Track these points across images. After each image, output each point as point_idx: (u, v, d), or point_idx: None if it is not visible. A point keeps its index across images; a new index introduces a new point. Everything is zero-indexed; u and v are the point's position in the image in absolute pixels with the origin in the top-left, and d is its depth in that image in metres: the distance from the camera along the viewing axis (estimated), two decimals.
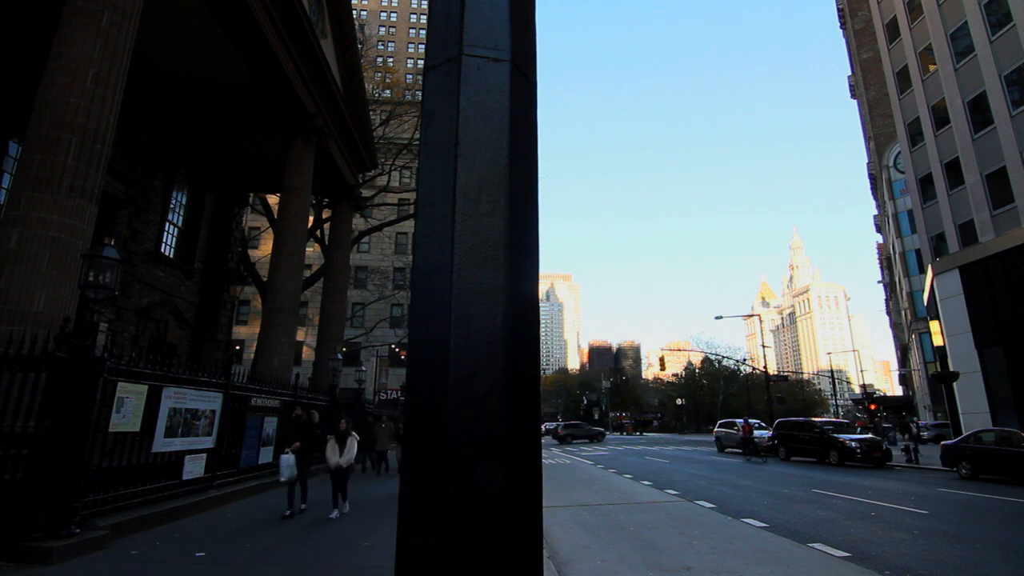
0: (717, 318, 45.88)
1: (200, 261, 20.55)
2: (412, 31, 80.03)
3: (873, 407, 33.49)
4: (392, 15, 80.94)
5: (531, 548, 1.03)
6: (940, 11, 26.18)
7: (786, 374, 73.57)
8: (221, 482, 10.48)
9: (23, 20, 12.09)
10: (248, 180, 22.67)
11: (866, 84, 53.12)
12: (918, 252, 37.18)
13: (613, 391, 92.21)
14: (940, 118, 26.38)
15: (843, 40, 65.05)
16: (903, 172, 34.39)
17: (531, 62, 1.29)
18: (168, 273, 18.49)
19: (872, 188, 58.68)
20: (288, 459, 9.06)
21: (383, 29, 78.45)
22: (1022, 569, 6.42)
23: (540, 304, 1.26)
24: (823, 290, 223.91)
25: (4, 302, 7.50)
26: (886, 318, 68.20)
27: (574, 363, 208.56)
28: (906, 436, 22.77)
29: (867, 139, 57.08)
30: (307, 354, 40.86)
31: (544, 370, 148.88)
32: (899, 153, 36.10)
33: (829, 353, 66.76)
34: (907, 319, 46.21)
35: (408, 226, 48.22)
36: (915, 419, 33.38)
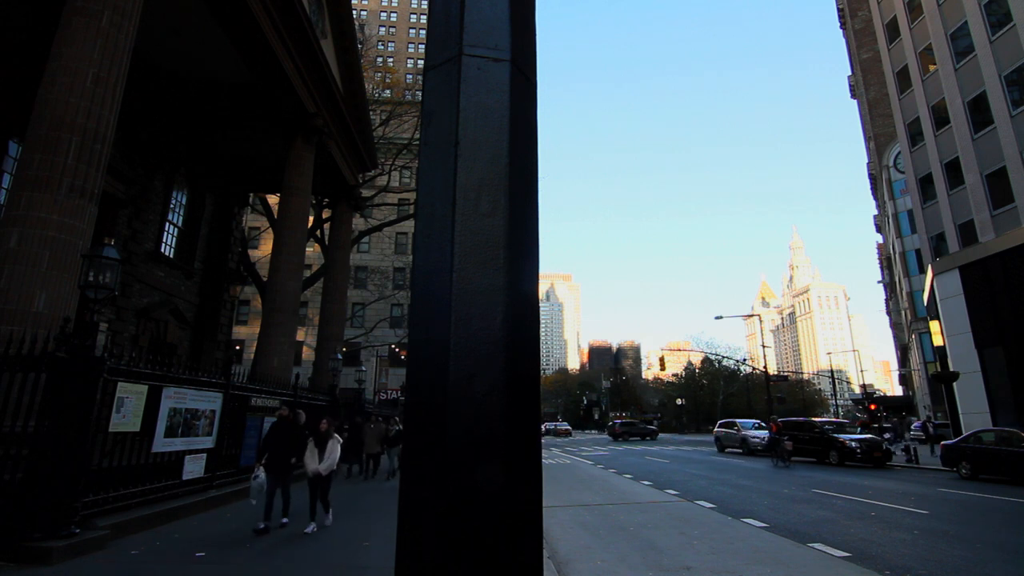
0: (717, 318, 45.88)
1: (200, 261, 20.55)
2: (412, 31, 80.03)
3: (873, 407, 33.47)
4: (392, 15, 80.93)
5: (531, 548, 1.03)
6: (940, 11, 26.18)
7: (786, 374, 73.56)
8: (221, 482, 10.48)
9: (23, 20, 12.09)
10: (248, 180, 22.67)
11: (866, 84, 53.11)
12: (918, 252, 37.17)
13: (613, 391, 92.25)
14: (940, 118, 26.37)
15: (843, 40, 65.07)
16: (903, 172, 34.39)
17: (531, 62, 1.29)
18: (168, 273, 18.49)
19: (872, 188, 58.68)
20: (259, 482, 7.77)
21: (383, 29, 78.45)
22: (1022, 569, 6.42)
23: (540, 304, 1.26)
24: (823, 290, 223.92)
25: (4, 302, 7.50)
26: (886, 318, 68.21)
27: (574, 363, 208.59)
28: (908, 434, 22.80)
29: (867, 139, 57.08)
30: (307, 354, 40.86)
31: (544, 370, 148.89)
32: (899, 153, 36.10)
33: (829, 353, 66.75)
34: (907, 319, 46.21)
35: (408, 226, 48.22)
36: (914, 419, 33.37)
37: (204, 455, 10.05)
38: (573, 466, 21.01)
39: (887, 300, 64.08)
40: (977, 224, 23.78)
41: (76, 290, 7.88)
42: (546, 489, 11.49)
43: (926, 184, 27.78)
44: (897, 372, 73.60)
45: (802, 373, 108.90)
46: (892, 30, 30.62)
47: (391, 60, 72.30)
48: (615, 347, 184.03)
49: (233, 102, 17.14)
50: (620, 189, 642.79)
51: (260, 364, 16.06)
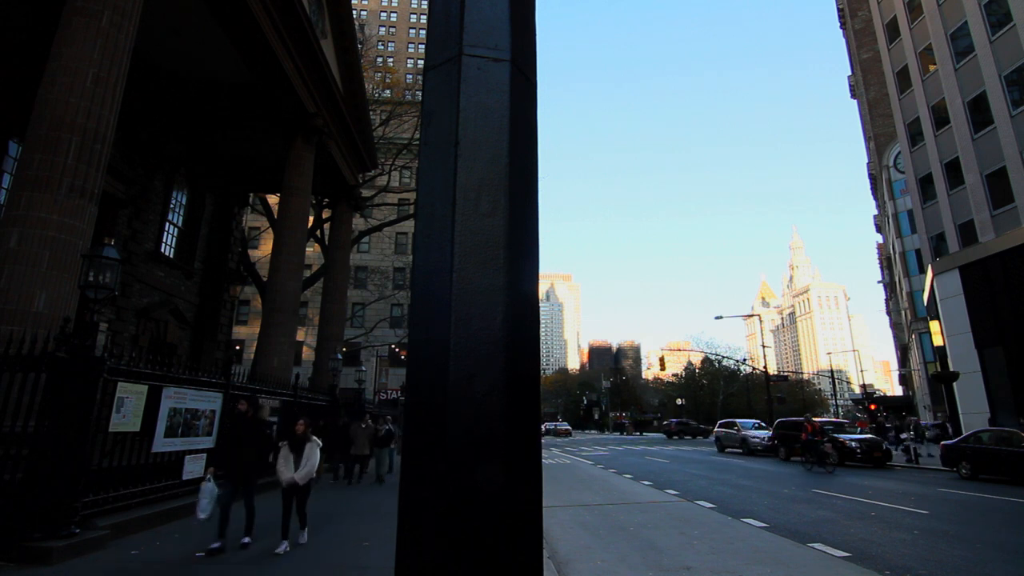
0: (717, 318, 45.88)
1: (200, 261, 20.55)
2: (412, 31, 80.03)
3: (873, 407, 33.47)
4: (392, 15, 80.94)
5: (531, 548, 1.03)
6: (940, 11, 26.18)
7: (786, 374, 73.59)
8: (221, 482, 10.46)
9: (23, 20, 12.09)
10: (248, 180, 22.67)
11: (866, 84, 53.12)
12: (918, 252, 37.18)
13: (613, 391, 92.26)
14: (940, 118, 26.38)
15: (843, 40, 65.06)
16: (903, 172, 34.39)
17: (531, 62, 1.29)
18: (168, 273, 18.49)
19: (872, 188, 58.68)
20: (209, 489, 6.51)
21: (383, 29, 78.45)
22: (1022, 569, 6.42)
23: (540, 304, 1.26)
24: (823, 290, 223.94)
25: (4, 302, 7.50)
26: (886, 318, 68.21)
27: (574, 363, 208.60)
28: (910, 433, 22.70)
29: (867, 139, 57.08)
30: (307, 354, 40.86)
31: (544, 370, 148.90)
32: (899, 153, 36.10)
33: (829, 353, 66.75)
34: (907, 319, 46.21)
35: (408, 226, 48.22)
36: (914, 418, 33.37)
37: (204, 455, 10.04)
38: (573, 466, 21.01)
39: (887, 300, 64.08)
40: (977, 224, 23.78)
41: (76, 290, 7.88)
42: (546, 489, 11.46)
43: (926, 184, 27.79)
44: (897, 372, 73.62)
45: (802, 373, 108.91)
46: (892, 30, 30.62)
47: (391, 60, 72.30)
48: (615, 347, 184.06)
49: (233, 102, 17.14)
50: (620, 189, 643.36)
51: (260, 364, 16.06)
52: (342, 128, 21.05)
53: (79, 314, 8.21)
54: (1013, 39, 22.37)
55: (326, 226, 27.27)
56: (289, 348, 16.65)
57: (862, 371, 66.05)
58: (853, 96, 61.72)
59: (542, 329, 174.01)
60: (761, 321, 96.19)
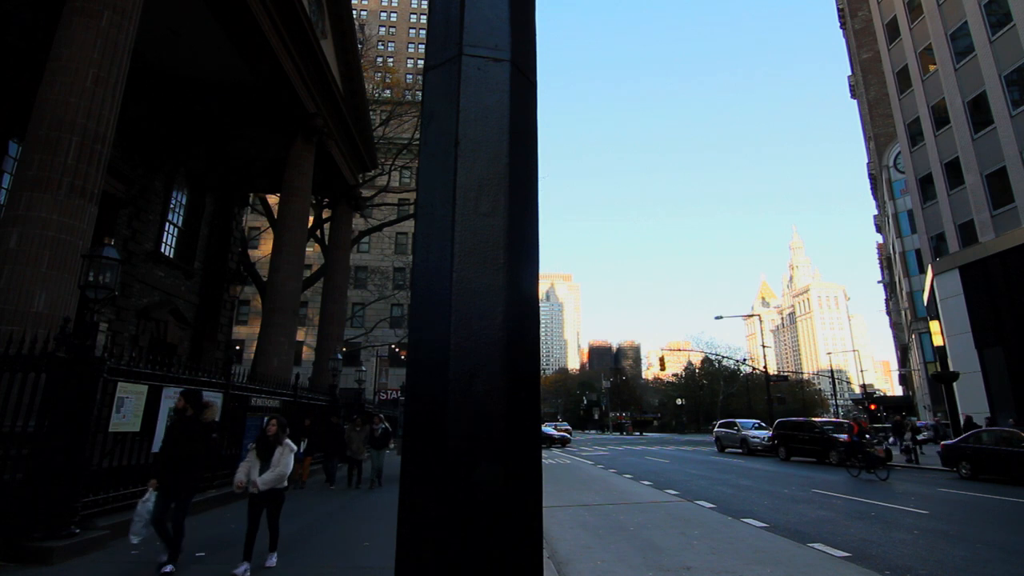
0: (717, 318, 45.90)
1: (200, 261, 20.56)
2: (412, 31, 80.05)
3: (873, 407, 33.48)
4: (392, 15, 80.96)
5: (531, 548, 1.03)
6: (940, 11, 26.19)
7: (786, 374, 73.60)
8: (221, 482, 10.47)
9: (23, 20, 12.09)
10: (248, 180, 22.68)
11: (866, 84, 53.13)
12: (918, 252, 37.19)
13: (613, 391, 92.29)
14: (940, 118, 26.39)
15: (843, 40, 65.09)
16: (903, 172, 34.40)
17: (531, 62, 1.29)
18: (168, 273, 18.49)
19: (872, 188, 58.69)
20: (145, 509, 5.55)
21: (383, 29, 78.47)
22: (1022, 569, 6.42)
23: (540, 304, 1.26)
24: (823, 290, 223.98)
25: (4, 302, 7.50)
26: (886, 318, 68.23)
27: (574, 363, 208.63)
28: (906, 437, 22.59)
29: (867, 139, 57.09)
30: (307, 354, 40.87)
31: (544, 370, 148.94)
32: (899, 153, 36.10)
33: (829, 353, 66.76)
34: (907, 319, 46.22)
35: (408, 226, 48.23)
36: (913, 419, 33.33)
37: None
38: (573, 466, 21.01)
39: (887, 300, 64.10)
40: (977, 224, 23.78)
41: (76, 290, 7.88)
42: (546, 489, 11.44)
43: (926, 184, 27.79)
44: (897, 372, 73.64)
45: (802, 373, 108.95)
46: (892, 30, 30.63)
47: (391, 60, 72.32)
48: (615, 347, 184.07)
49: (233, 102, 17.14)
50: (620, 189, 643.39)
51: (260, 364, 16.06)
52: (342, 128, 21.05)
53: (79, 314, 8.20)
54: (1013, 39, 22.38)
55: (326, 226, 27.27)
56: (289, 348, 16.65)
57: (862, 371, 66.07)
58: (853, 96, 61.74)
59: (542, 329, 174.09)
60: (761, 321, 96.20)
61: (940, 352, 26.60)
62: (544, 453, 27.66)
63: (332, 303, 22.49)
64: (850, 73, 60.61)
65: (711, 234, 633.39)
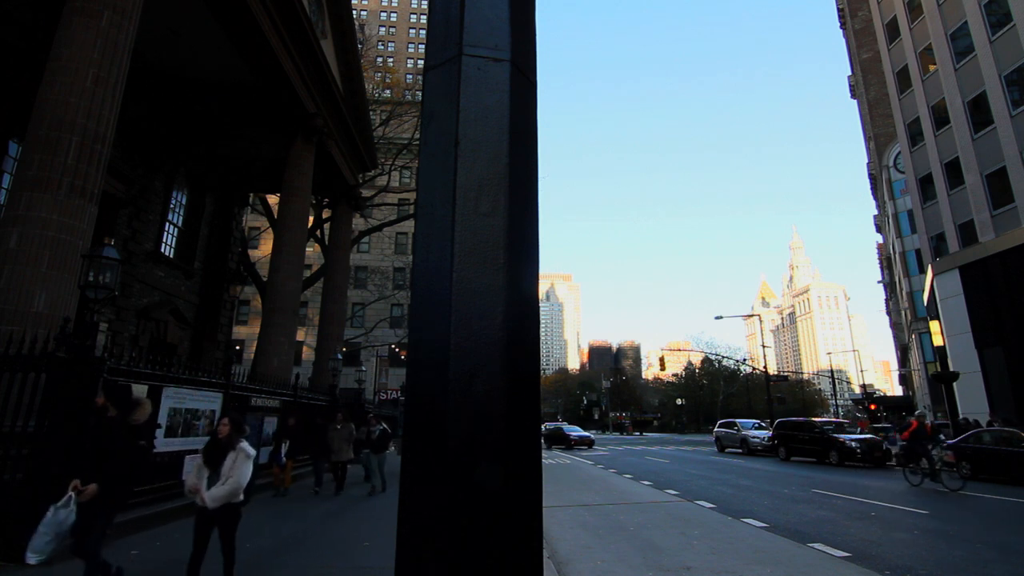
0: (717, 318, 45.91)
1: (200, 261, 20.56)
2: (412, 31, 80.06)
3: (873, 407, 33.48)
4: (392, 15, 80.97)
5: (531, 548, 1.03)
6: (940, 11, 26.19)
7: (786, 374, 73.60)
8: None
9: (23, 20, 12.09)
10: (248, 180, 22.68)
11: (866, 84, 53.12)
12: (918, 252, 37.18)
13: (613, 391, 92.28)
14: (940, 118, 26.39)
15: (843, 40, 65.08)
16: (903, 172, 34.40)
17: (531, 62, 1.29)
18: (168, 273, 18.49)
19: (872, 188, 58.69)
20: (55, 520, 4.50)
21: (383, 29, 78.48)
22: (1022, 569, 6.42)
23: (540, 304, 1.26)
24: (823, 290, 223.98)
25: (4, 302, 7.50)
26: (886, 318, 68.21)
27: (574, 363, 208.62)
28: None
29: (867, 139, 57.08)
30: (307, 354, 40.87)
31: (544, 370, 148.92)
32: (899, 153, 36.10)
33: (829, 353, 66.76)
34: (907, 319, 46.21)
35: (408, 226, 48.23)
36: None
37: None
38: (573, 466, 21.01)
39: (887, 300, 64.09)
40: (977, 224, 23.78)
41: (76, 290, 7.88)
42: (546, 489, 11.36)
43: (926, 184, 27.79)
44: (897, 372, 73.61)
45: (802, 373, 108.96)
46: (892, 30, 30.63)
47: (391, 60, 72.33)
48: (615, 347, 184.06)
49: (233, 102, 17.15)
50: (620, 189, 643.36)
51: (260, 364, 16.06)
52: (342, 128, 21.06)
53: (79, 314, 8.21)
54: (1013, 39, 22.38)
55: (326, 226, 27.27)
56: (289, 348, 16.65)
57: (862, 371, 66.06)
58: (853, 96, 61.73)
59: (542, 329, 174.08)
60: (761, 321, 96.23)
61: (940, 352, 26.60)
62: (544, 453, 27.66)
63: (332, 303, 22.49)
64: (850, 73, 60.60)
65: (711, 234, 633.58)
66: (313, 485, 12.31)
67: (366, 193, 29.50)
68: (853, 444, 20.48)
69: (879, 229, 61.55)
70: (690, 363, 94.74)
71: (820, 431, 22.24)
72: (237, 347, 40.55)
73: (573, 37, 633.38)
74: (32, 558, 4.48)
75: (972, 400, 22.86)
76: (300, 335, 38.64)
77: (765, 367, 43.46)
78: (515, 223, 1.13)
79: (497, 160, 1.14)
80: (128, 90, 9.63)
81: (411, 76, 61.24)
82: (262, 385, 13.29)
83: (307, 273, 27.31)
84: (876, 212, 61.33)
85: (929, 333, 32.44)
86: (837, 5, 60.55)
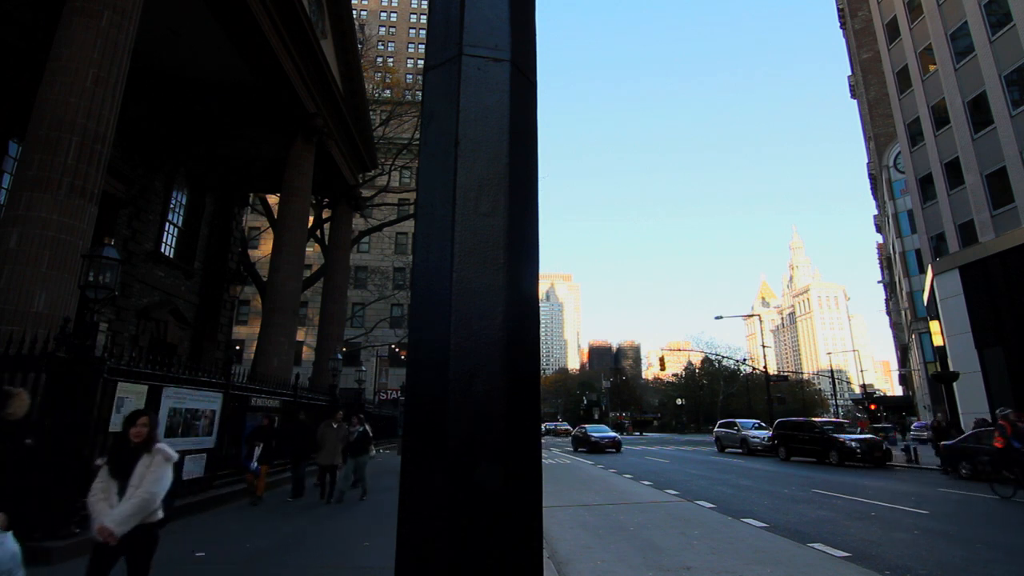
0: (717, 318, 45.90)
1: (200, 261, 20.56)
2: (412, 31, 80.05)
3: (873, 407, 33.47)
4: (392, 15, 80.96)
5: (531, 548, 1.03)
6: (940, 11, 26.18)
7: (786, 374, 73.58)
8: (220, 482, 10.48)
9: (23, 20, 12.09)
10: (248, 180, 22.69)
11: (866, 84, 53.12)
12: (918, 252, 37.18)
13: (613, 391, 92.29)
14: (940, 118, 26.37)
15: (843, 40, 65.10)
16: (903, 172, 34.39)
17: (531, 62, 1.29)
18: (168, 273, 18.49)
19: (872, 188, 58.68)
20: None
21: (383, 29, 78.47)
22: (1022, 569, 6.42)
23: (540, 304, 1.26)
24: (823, 290, 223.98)
25: (4, 302, 7.50)
26: (886, 318, 68.22)
27: (574, 363, 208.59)
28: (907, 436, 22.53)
29: (867, 139, 57.08)
30: (307, 354, 40.87)
31: (544, 370, 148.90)
32: (899, 153, 36.11)
33: (829, 353, 66.75)
34: (907, 319, 46.21)
35: (408, 226, 48.23)
36: (913, 419, 33.24)
37: (204, 455, 10.05)
38: (573, 466, 21.01)
39: (887, 300, 64.09)
40: (977, 224, 23.77)
41: (76, 290, 7.88)
42: (546, 489, 11.31)
43: (926, 184, 27.78)
44: (897, 372, 73.60)
45: (802, 373, 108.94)
46: (892, 30, 30.62)
47: (391, 60, 72.32)
48: (615, 347, 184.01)
49: (233, 102, 17.15)
50: (620, 189, 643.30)
51: (260, 364, 16.06)
52: (342, 128, 21.05)
53: (79, 314, 8.20)
54: (1013, 39, 22.37)
55: (326, 226, 27.28)
56: (289, 348, 16.65)
57: (862, 371, 66.04)
58: (853, 96, 61.73)
59: (542, 329, 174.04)
60: (761, 321, 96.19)
61: (940, 352, 26.59)
62: (544, 453, 27.64)
63: (332, 303, 22.49)
64: (850, 73, 60.60)
65: (711, 234, 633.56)
66: (291, 492, 11.10)
67: (366, 193, 29.51)
68: (853, 444, 20.47)
69: (879, 229, 61.55)
70: (690, 363, 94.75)
71: (820, 431, 22.23)
72: (237, 347, 40.55)
73: (573, 37, 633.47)
74: None
75: (972, 400, 22.84)
76: (300, 335, 38.65)
77: (765, 367, 43.46)
78: (515, 223, 1.13)
79: (497, 160, 1.14)
80: (128, 90, 9.63)
81: (411, 76, 61.24)
82: (262, 385, 13.29)
83: (307, 273, 27.32)
84: (876, 212, 61.33)
85: (929, 333, 32.45)
86: (837, 5, 60.55)
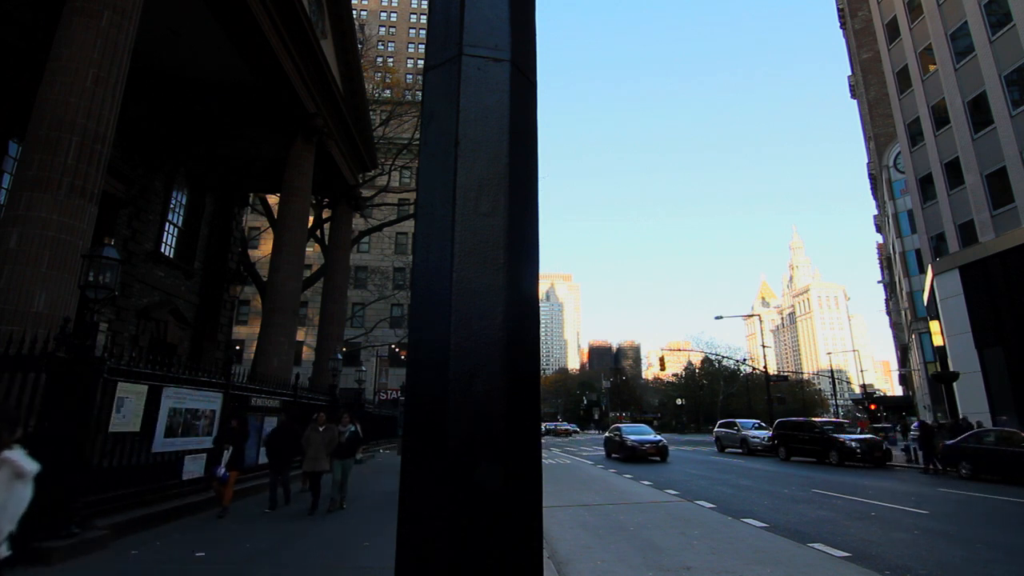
0: (717, 318, 45.91)
1: (200, 261, 20.55)
2: (412, 31, 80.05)
3: (873, 407, 33.46)
4: (392, 15, 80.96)
5: (531, 548, 1.03)
6: (940, 11, 26.18)
7: (786, 374, 73.58)
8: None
9: (23, 20, 12.09)
10: (248, 180, 22.68)
11: (866, 84, 53.11)
12: (918, 252, 37.17)
13: (613, 391, 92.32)
14: (940, 118, 26.38)
15: (843, 40, 65.08)
16: (903, 172, 34.39)
17: (531, 62, 1.29)
18: (168, 273, 18.49)
19: (872, 188, 58.66)
20: None
21: (383, 29, 78.47)
22: (1022, 569, 6.42)
23: (540, 304, 1.26)
24: (823, 290, 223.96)
25: (4, 302, 7.50)
26: (886, 318, 68.18)
27: (574, 363, 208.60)
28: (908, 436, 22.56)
29: (867, 139, 57.07)
30: (307, 354, 40.88)
31: (544, 370, 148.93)
32: (899, 153, 36.10)
33: (829, 353, 66.73)
34: (907, 319, 46.20)
35: (408, 226, 48.23)
36: (913, 418, 33.18)
37: (204, 455, 10.05)
38: (573, 466, 21.01)
39: (887, 300, 64.06)
40: (977, 224, 23.78)
41: (76, 290, 7.88)
42: (546, 489, 11.30)
43: (926, 184, 27.79)
44: (897, 372, 73.56)
45: (802, 373, 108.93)
46: (892, 30, 30.62)
47: (391, 60, 72.32)
48: (615, 347, 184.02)
49: (233, 102, 17.14)
50: (620, 189, 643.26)
51: (260, 364, 16.06)
52: (342, 128, 21.05)
53: (79, 314, 8.20)
54: (1013, 39, 22.37)
55: (326, 226, 27.28)
56: (289, 348, 16.64)
57: (862, 371, 66.02)
58: (853, 96, 61.71)
59: (542, 329, 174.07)
60: (761, 321, 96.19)
61: (940, 352, 26.60)
62: (544, 453, 27.62)
63: (332, 303, 22.49)
64: (850, 73, 60.58)
65: (711, 234, 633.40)
66: (270, 504, 9.75)
67: (366, 193, 29.51)
68: (853, 444, 20.47)
69: (879, 229, 61.53)
70: (690, 363, 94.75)
71: (820, 431, 22.24)
72: (237, 347, 40.55)
73: (573, 37, 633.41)
74: None
75: (972, 400, 22.85)
76: (300, 335, 38.66)
77: (765, 367, 43.46)
78: (515, 223, 1.13)
79: (497, 160, 1.14)
80: (128, 90, 9.63)
81: (411, 76, 61.25)
82: (262, 385, 13.29)
83: (307, 273, 27.32)
84: (876, 212, 61.31)
85: (929, 333, 32.44)
86: (837, 5, 60.53)
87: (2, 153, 12.36)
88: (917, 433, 19.82)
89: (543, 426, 34.40)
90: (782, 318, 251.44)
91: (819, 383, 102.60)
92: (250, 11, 13.29)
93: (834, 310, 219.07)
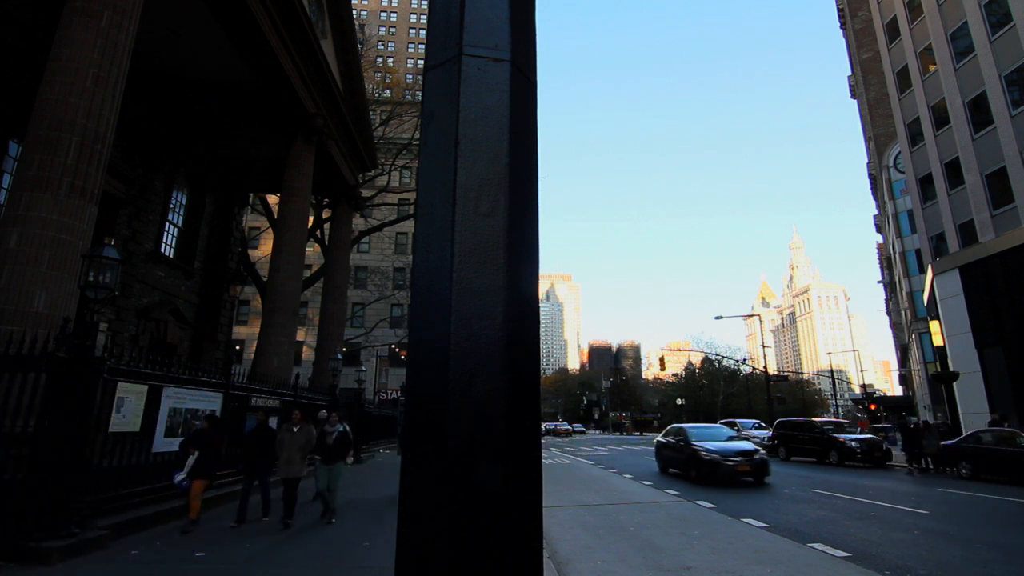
0: (717, 318, 45.91)
1: (200, 261, 20.55)
2: (412, 31, 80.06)
3: (873, 407, 33.46)
4: (392, 15, 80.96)
5: (531, 548, 1.03)
6: (940, 11, 26.18)
7: (786, 374, 73.59)
8: (221, 482, 10.47)
9: (23, 20, 12.09)
10: (248, 180, 22.68)
11: (866, 84, 53.10)
12: (918, 252, 37.17)
13: (613, 391, 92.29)
14: (940, 118, 26.38)
15: (843, 40, 65.08)
16: (903, 172, 34.39)
17: (531, 62, 1.29)
18: (168, 273, 18.49)
19: (872, 188, 58.66)
20: None
21: (383, 29, 78.47)
22: (1022, 569, 6.42)
23: (540, 304, 1.26)
24: (823, 290, 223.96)
25: (4, 302, 7.50)
26: (886, 318, 68.18)
27: (574, 363, 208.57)
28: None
29: (867, 139, 57.07)
30: (307, 354, 40.87)
31: (544, 370, 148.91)
32: (899, 153, 36.10)
33: (829, 353, 66.72)
34: (907, 319, 46.19)
35: (408, 226, 48.23)
36: (913, 418, 33.15)
37: None
38: (573, 466, 21.01)
39: (887, 300, 64.05)
40: (977, 224, 23.78)
41: (76, 290, 7.88)
42: (546, 489, 11.26)
43: (926, 184, 27.79)
44: (897, 372, 73.55)
45: (802, 373, 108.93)
46: (892, 30, 30.62)
47: (391, 60, 72.32)
48: (615, 347, 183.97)
49: (233, 102, 17.14)
50: (620, 189, 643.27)
51: (260, 364, 16.06)
52: (342, 128, 21.05)
53: (79, 314, 8.20)
54: (1013, 39, 22.37)
55: (326, 226, 27.28)
56: (289, 348, 16.65)
57: (862, 371, 66.01)
58: (853, 96, 61.71)
59: (542, 329, 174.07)
60: (761, 321, 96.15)
61: (940, 352, 26.60)
62: (544, 453, 27.62)
63: (332, 303, 22.49)
64: (850, 73, 60.57)
65: (711, 234, 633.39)
66: (237, 517, 8.25)
67: (366, 193, 29.51)
68: (853, 444, 20.47)
69: (879, 229, 61.52)
70: (690, 363, 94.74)
71: (820, 431, 22.23)
72: (237, 347, 40.55)
73: (573, 37, 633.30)
74: None
75: (972, 400, 22.84)
76: (300, 335, 38.65)
77: (765, 367, 43.46)
78: (515, 223, 1.13)
79: (497, 160, 1.14)
80: (128, 90, 9.63)
81: (411, 76, 61.25)
82: (262, 385, 13.30)
83: (307, 273, 27.32)
84: (876, 212, 61.30)
85: (929, 333, 32.43)
86: (837, 5, 60.53)
87: (2, 153, 12.37)
88: (895, 435, 19.74)
89: (543, 426, 34.44)
90: (782, 318, 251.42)
91: (819, 383, 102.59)
92: (250, 11, 13.29)
93: (834, 310, 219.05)
